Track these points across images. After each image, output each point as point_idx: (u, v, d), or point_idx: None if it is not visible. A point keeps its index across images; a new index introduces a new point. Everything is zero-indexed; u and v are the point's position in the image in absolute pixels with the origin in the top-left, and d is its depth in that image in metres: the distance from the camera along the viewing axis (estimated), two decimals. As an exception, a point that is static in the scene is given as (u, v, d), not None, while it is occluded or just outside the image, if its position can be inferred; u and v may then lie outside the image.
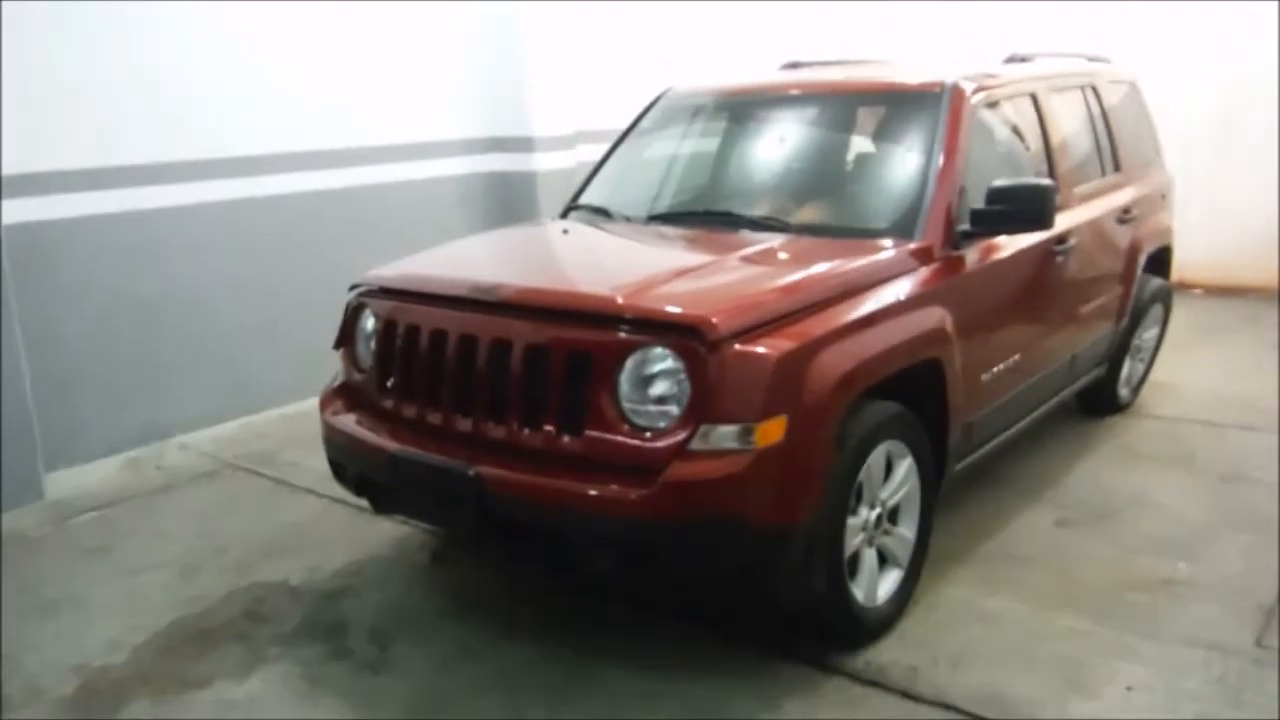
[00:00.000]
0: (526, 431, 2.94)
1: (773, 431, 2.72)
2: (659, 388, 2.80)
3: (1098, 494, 4.29)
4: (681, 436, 2.73)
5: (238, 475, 4.85)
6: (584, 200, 4.41)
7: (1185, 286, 7.90)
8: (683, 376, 2.75)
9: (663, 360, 2.79)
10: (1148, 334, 5.36)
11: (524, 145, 6.70)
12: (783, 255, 3.44)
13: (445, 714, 2.95)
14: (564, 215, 4.39)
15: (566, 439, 2.87)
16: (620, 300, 2.91)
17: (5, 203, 4.45)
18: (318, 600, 3.60)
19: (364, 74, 5.96)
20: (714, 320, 2.72)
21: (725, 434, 2.70)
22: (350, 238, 5.84)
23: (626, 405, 2.81)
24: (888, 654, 3.12)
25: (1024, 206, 3.48)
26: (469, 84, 6.57)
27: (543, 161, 6.71)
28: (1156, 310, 5.36)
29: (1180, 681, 2.95)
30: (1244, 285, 7.86)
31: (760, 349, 2.75)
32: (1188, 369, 5.95)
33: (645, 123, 4.63)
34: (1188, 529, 3.94)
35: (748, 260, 3.38)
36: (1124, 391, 5.26)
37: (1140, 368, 5.42)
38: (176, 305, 5.23)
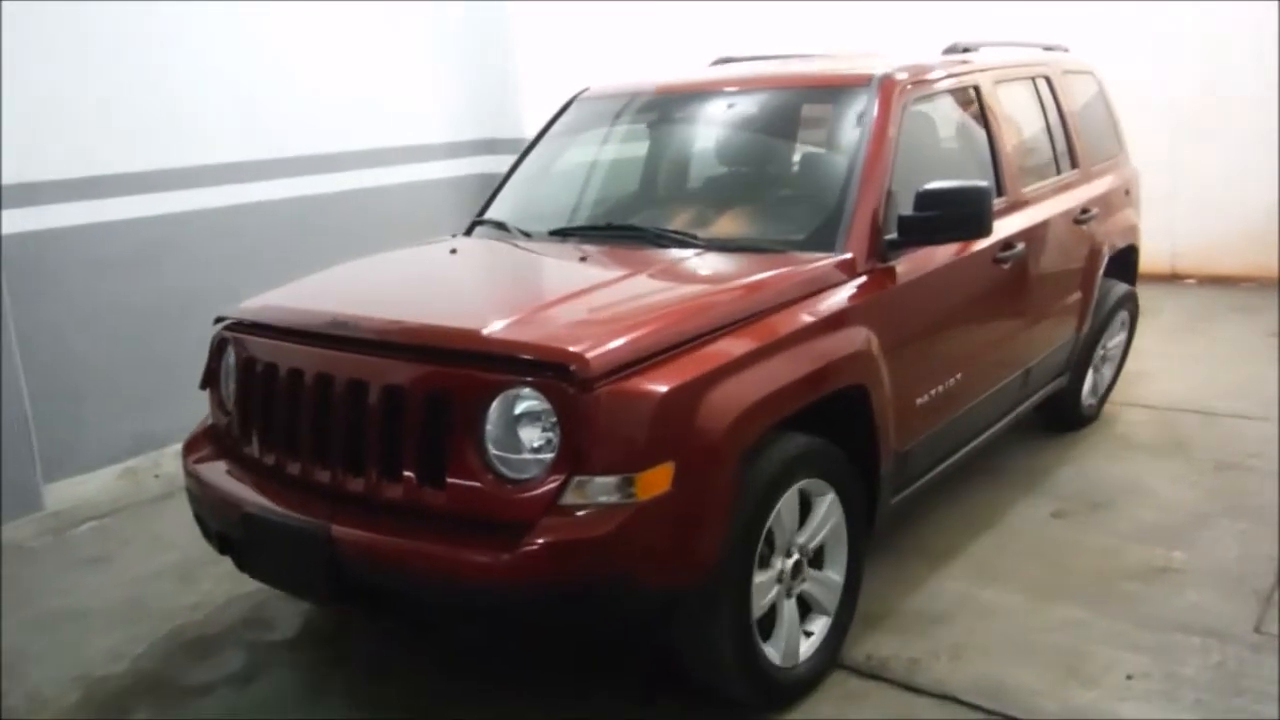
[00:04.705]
0: (385, 483, 2.58)
1: (657, 481, 2.39)
2: (527, 433, 2.47)
3: (1092, 484, 4.30)
4: (552, 487, 2.39)
5: (236, 482, 4.84)
6: (489, 215, 4.02)
7: (1178, 277, 7.93)
8: (553, 420, 2.41)
9: (530, 402, 2.45)
10: (1113, 341, 5.00)
11: (516, 147, 6.65)
12: (683, 274, 3.12)
13: (448, 716, 2.95)
14: (468, 232, 3.99)
15: (428, 491, 2.51)
16: (484, 334, 2.56)
17: (2, 213, 4.45)
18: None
19: (354, 77, 5.96)
20: (585, 355, 2.38)
21: (601, 486, 2.37)
22: (342, 242, 5.75)
23: (492, 452, 2.46)
24: (888, 647, 3.13)
25: (958, 211, 3.13)
26: (460, 86, 6.58)
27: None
28: (1122, 316, 4.99)
29: (1179, 669, 2.96)
30: (1236, 274, 7.87)
31: (640, 387, 2.41)
32: (1181, 358, 5.97)
33: (556, 127, 4.22)
34: (1183, 517, 3.95)
35: (643, 281, 3.02)
36: (1089, 403, 4.90)
37: (1106, 377, 5.06)
38: (171, 313, 5.21)
